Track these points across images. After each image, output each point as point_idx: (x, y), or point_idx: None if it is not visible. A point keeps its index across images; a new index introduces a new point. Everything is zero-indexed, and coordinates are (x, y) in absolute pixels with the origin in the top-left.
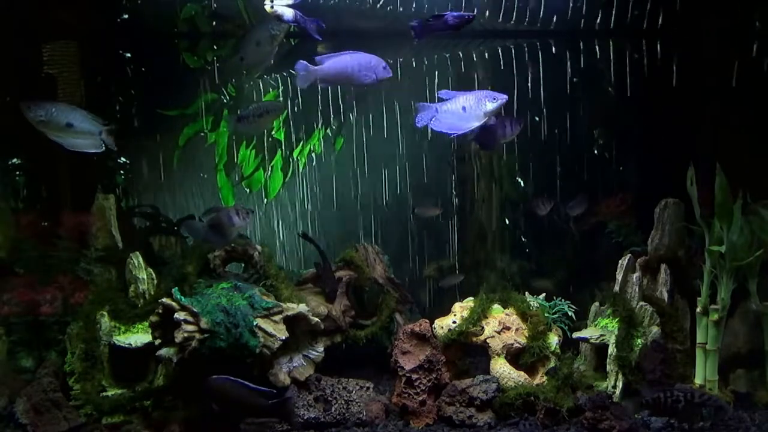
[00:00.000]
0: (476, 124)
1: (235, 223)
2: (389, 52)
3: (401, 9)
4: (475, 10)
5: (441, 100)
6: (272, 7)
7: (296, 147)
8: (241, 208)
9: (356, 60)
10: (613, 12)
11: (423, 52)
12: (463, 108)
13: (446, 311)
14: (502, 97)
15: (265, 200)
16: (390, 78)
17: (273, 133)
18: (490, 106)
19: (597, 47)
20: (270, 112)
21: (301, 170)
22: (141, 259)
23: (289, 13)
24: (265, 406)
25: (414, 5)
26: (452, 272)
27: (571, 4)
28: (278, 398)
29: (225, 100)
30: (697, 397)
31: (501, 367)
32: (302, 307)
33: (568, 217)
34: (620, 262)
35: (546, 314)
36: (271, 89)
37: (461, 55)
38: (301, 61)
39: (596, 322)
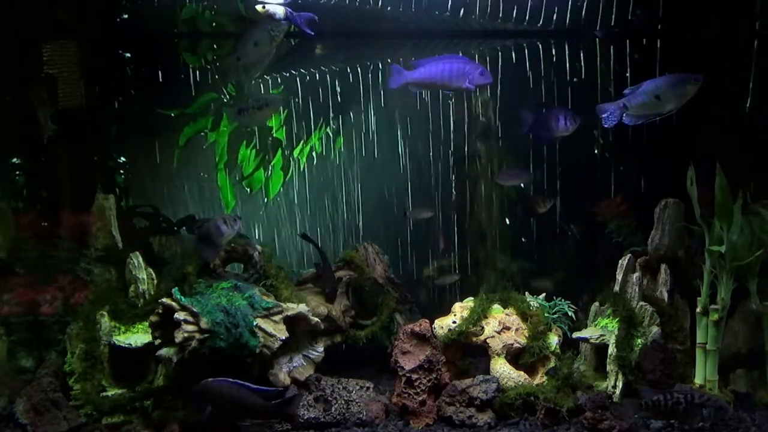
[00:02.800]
0: (674, 108)
1: (224, 232)
2: (389, 52)
3: (401, 8)
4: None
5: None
6: (264, 6)
7: (296, 146)
8: (229, 216)
9: (449, 66)
10: (614, 12)
11: (423, 52)
12: (657, 97)
13: (446, 311)
14: (698, 77)
15: (266, 200)
16: (489, 83)
17: (273, 132)
18: (693, 88)
19: (597, 47)
20: (270, 104)
21: (301, 170)
22: (141, 259)
23: (281, 12)
24: (268, 407)
25: (414, 5)
26: (449, 272)
27: (570, 4)
28: (281, 398)
29: (225, 100)
30: (697, 398)
31: (501, 367)
32: (302, 307)
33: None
34: (620, 262)
35: (546, 314)
36: (271, 88)
37: (461, 54)
38: (395, 64)
39: (596, 322)
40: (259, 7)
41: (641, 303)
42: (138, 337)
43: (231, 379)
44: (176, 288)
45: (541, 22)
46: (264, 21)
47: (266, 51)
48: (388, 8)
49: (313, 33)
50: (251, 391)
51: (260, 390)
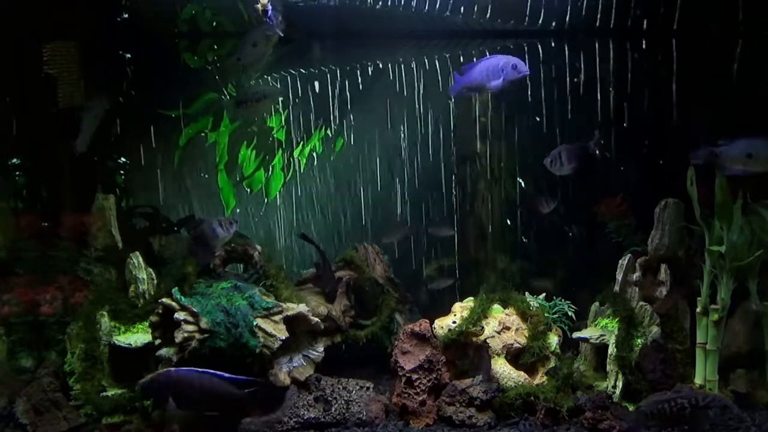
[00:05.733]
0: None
1: (219, 234)
2: (388, 52)
3: (401, 8)
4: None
5: None
6: (267, 3)
7: (297, 147)
8: (225, 219)
9: (486, 65)
10: (614, 12)
11: (423, 52)
12: (749, 155)
13: (446, 311)
14: None
15: (266, 200)
16: (527, 75)
17: (274, 133)
18: None
19: (597, 47)
20: (268, 96)
21: (301, 170)
22: (141, 259)
23: (270, 8)
24: (242, 396)
25: (414, 5)
26: (448, 274)
27: (570, 4)
28: (255, 387)
29: (225, 100)
30: (701, 400)
31: (501, 367)
32: (302, 307)
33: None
34: (620, 262)
35: (546, 314)
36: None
37: (461, 54)
38: (455, 72)
39: (596, 322)
40: (263, 1)
41: (641, 303)
42: (138, 337)
43: (199, 369)
44: (176, 288)
45: (540, 23)
46: (262, 22)
47: (263, 51)
48: (388, 8)
49: (282, 34)
50: (221, 379)
51: (232, 378)
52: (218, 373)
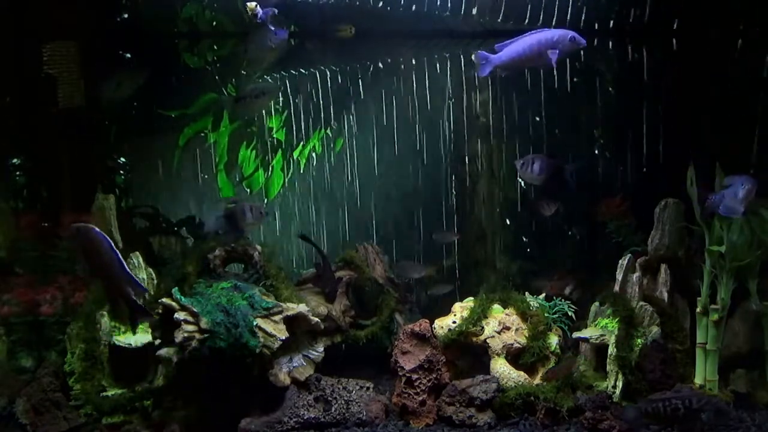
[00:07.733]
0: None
1: (248, 218)
2: (389, 52)
3: (400, 9)
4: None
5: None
6: (256, 6)
7: (297, 147)
8: (256, 205)
9: (534, 40)
10: (614, 12)
11: (423, 52)
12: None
13: (446, 311)
14: None
15: (266, 200)
16: (582, 46)
17: (274, 133)
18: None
19: (597, 47)
20: (266, 93)
21: (301, 171)
22: (141, 259)
23: (261, 11)
24: (123, 292)
25: (414, 5)
26: (447, 278)
27: (570, 4)
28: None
29: (224, 97)
30: (695, 402)
31: (501, 367)
32: (302, 307)
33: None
34: (620, 262)
35: (546, 314)
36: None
37: (461, 54)
38: (480, 51)
39: (596, 322)
40: (250, 5)
41: (641, 303)
42: (138, 337)
43: (117, 252)
44: (176, 288)
45: (540, 23)
46: (254, 23)
47: (266, 53)
48: (388, 8)
49: (281, 30)
50: (130, 281)
51: (134, 281)
52: (130, 274)
